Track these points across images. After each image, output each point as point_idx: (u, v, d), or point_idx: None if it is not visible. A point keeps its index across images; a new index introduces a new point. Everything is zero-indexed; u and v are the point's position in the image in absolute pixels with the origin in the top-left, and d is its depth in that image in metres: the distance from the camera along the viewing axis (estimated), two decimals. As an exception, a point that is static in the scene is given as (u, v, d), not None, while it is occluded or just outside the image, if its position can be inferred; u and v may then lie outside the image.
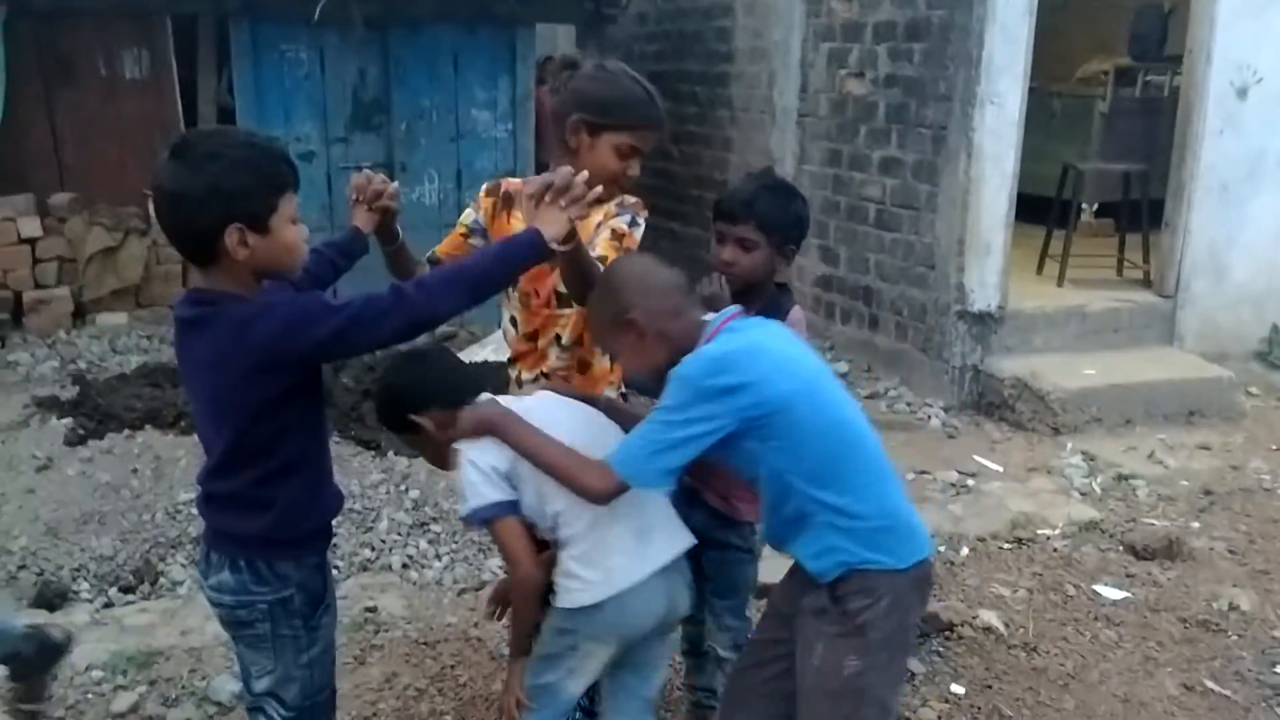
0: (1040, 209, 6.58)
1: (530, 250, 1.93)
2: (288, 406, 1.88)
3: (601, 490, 1.98)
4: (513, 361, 2.50)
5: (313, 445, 1.98)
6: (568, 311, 2.35)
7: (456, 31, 7.13)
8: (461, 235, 2.45)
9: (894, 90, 5.96)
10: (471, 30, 7.16)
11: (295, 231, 1.86)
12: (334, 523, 2.13)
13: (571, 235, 1.99)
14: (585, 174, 1.96)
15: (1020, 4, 5.33)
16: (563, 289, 2.31)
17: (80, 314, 6.43)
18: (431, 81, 7.15)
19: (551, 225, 1.93)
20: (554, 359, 2.40)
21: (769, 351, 1.98)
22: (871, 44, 6.11)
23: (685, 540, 2.20)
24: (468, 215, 2.48)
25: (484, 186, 2.47)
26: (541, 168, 6.89)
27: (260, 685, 2.00)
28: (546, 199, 1.94)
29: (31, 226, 6.27)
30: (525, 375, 2.45)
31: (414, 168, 7.16)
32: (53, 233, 6.34)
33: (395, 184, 2.26)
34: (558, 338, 2.39)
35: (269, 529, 1.92)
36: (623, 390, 2.51)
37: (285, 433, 1.89)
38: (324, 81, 6.94)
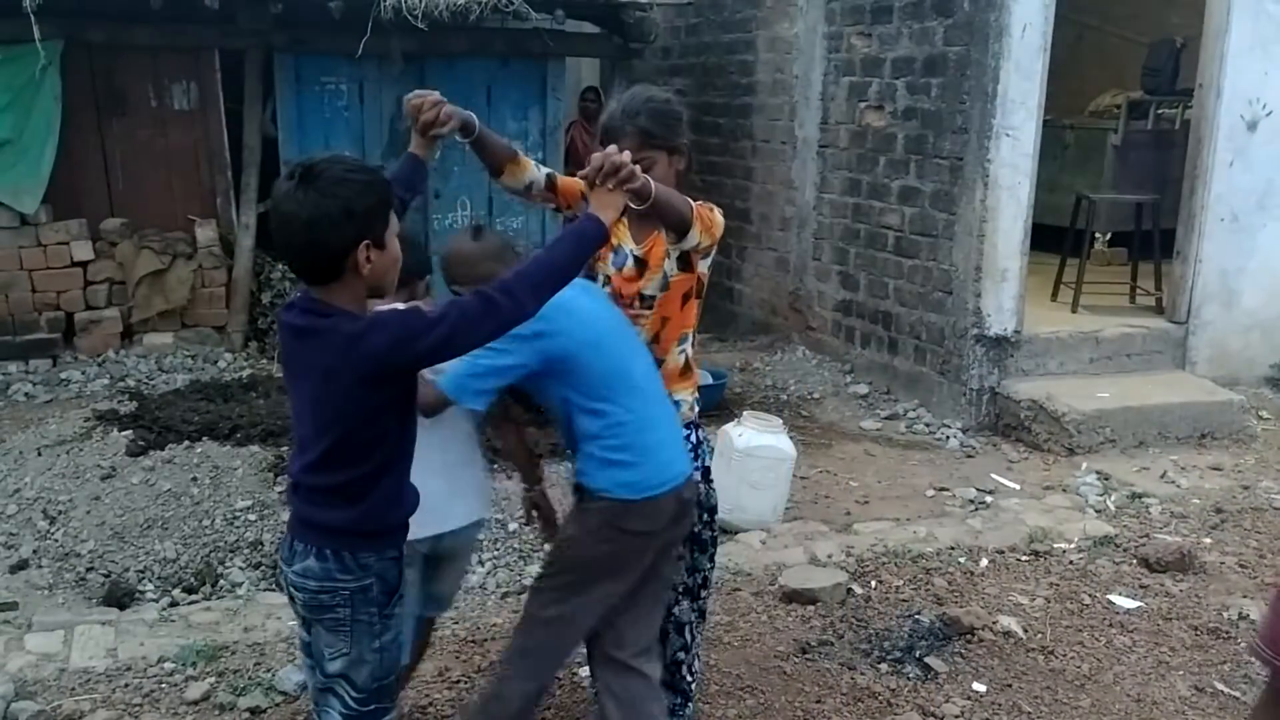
0: (1054, 238, 6.78)
1: (595, 237, 2.12)
2: (387, 414, 2.05)
3: (426, 404, 2.29)
4: None
5: (404, 448, 2.14)
6: (648, 313, 2.59)
7: (490, 65, 7.40)
8: (581, 194, 2.66)
9: (912, 122, 6.19)
10: (504, 64, 7.44)
11: (398, 244, 2.06)
12: None
13: (645, 194, 2.22)
14: (628, 154, 2.17)
15: (1034, 42, 5.57)
16: (648, 292, 2.57)
17: (128, 334, 6.67)
18: (465, 112, 7.40)
19: (607, 208, 2.14)
20: None
21: (574, 308, 2.34)
22: (890, 78, 6.35)
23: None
24: None
25: None
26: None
27: (333, 667, 2.13)
28: (598, 183, 2.15)
29: (83, 250, 6.52)
30: None
31: (447, 195, 7.42)
32: (104, 256, 6.58)
33: (448, 105, 2.37)
34: None
35: (356, 522, 2.07)
36: (696, 396, 2.75)
37: (383, 437, 2.06)
38: (362, 112, 7.21)
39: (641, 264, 2.59)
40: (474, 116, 2.47)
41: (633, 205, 2.22)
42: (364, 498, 2.07)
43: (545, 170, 2.68)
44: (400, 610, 2.23)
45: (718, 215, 2.57)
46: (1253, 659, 2.34)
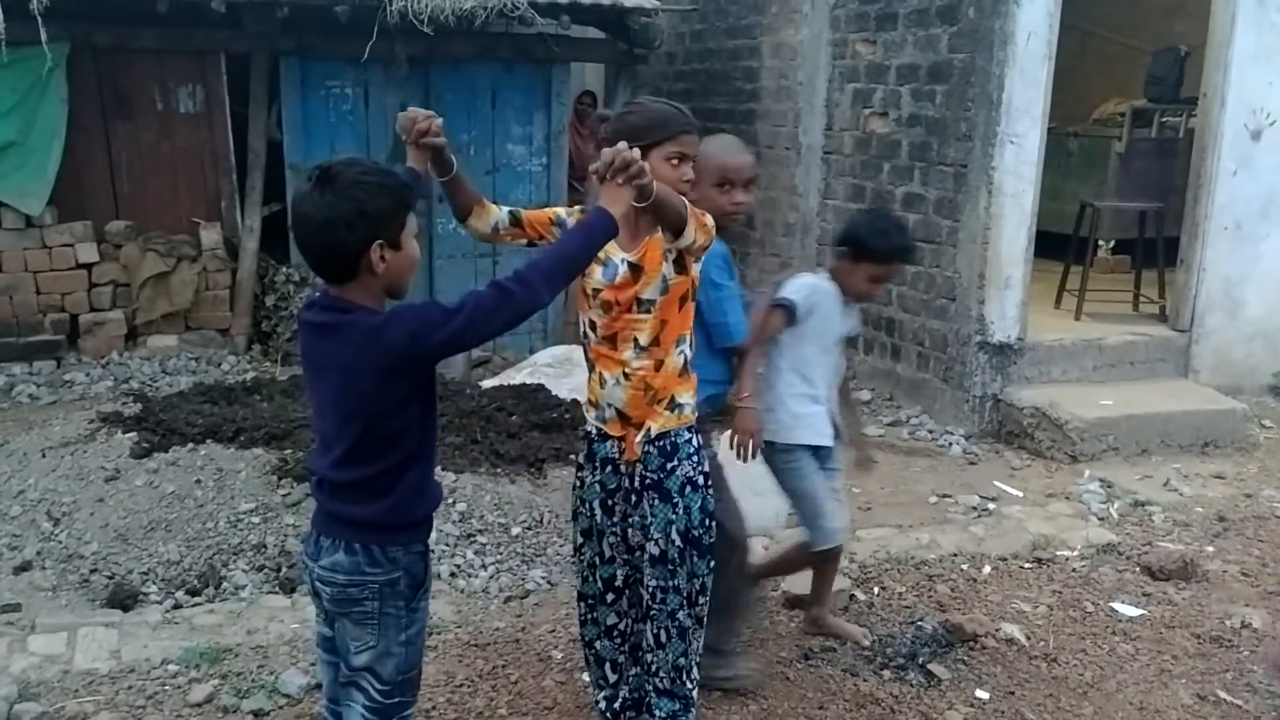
0: (1058, 245, 6.80)
1: (605, 229, 2.18)
2: (410, 405, 2.09)
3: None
4: (592, 365, 2.75)
5: (427, 441, 2.19)
6: (646, 316, 2.60)
7: (495, 70, 7.43)
8: (549, 219, 2.72)
9: (917, 129, 6.20)
10: (509, 69, 7.46)
11: (415, 246, 2.11)
12: None
13: (648, 192, 2.25)
14: (637, 152, 2.22)
15: (1039, 49, 5.58)
16: (644, 296, 2.58)
17: (132, 336, 6.69)
18: (470, 117, 7.43)
19: (616, 203, 2.19)
20: (632, 360, 2.63)
21: None
22: (895, 85, 6.36)
23: None
24: (560, 210, 2.77)
25: (579, 208, 2.80)
26: (574, 198, 7.11)
27: (359, 660, 2.17)
28: (608, 178, 2.19)
29: (88, 252, 6.55)
30: (608, 376, 2.68)
31: (451, 199, 7.43)
32: (108, 258, 6.61)
33: (439, 120, 2.44)
34: (635, 340, 2.62)
35: (384, 515, 2.12)
36: (699, 401, 2.76)
37: (406, 429, 2.10)
38: (367, 116, 7.23)
39: (636, 269, 2.60)
40: (454, 158, 2.54)
41: (635, 202, 2.26)
42: (390, 491, 2.13)
43: (507, 209, 2.72)
44: (425, 604, 2.28)
45: (708, 217, 2.60)
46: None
